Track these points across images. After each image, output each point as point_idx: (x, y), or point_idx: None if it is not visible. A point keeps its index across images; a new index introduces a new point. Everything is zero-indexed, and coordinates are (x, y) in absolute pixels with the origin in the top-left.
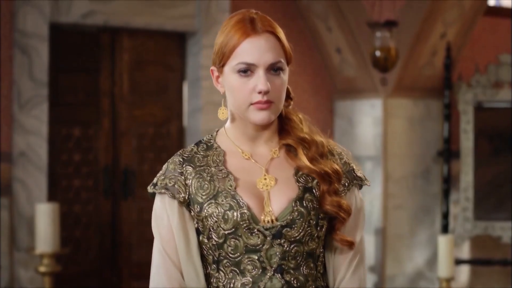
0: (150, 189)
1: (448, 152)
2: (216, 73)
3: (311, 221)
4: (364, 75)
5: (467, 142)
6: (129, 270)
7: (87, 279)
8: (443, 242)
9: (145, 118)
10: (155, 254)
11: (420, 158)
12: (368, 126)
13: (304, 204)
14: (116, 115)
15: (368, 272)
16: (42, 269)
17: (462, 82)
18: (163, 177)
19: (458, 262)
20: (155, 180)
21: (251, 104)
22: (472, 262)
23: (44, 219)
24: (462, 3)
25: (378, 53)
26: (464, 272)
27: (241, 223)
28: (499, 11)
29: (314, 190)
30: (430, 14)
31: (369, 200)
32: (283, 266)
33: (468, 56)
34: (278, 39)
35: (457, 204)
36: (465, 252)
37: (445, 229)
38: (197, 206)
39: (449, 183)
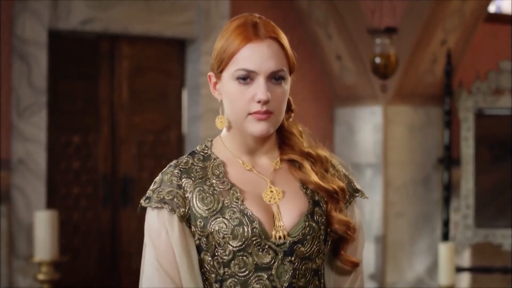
0: (144, 203)
1: (449, 159)
2: (213, 79)
3: (321, 236)
4: (364, 82)
5: (467, 149)
6: (129, 278)
7: (86, 287)
8: (444, 249)
9: (145, 126)
10: (148, 268)
11: (421, 165)
12: (368, 133)
13: (315, 219)
14: (115, 123)
15: (369, 280)
16: (41, 277)
17: (463, 89)
18: (160, 190)
19: (459, 269)
20: (149, 193)
21: (249, 114)
22: (473, 270)
23: (43, 227)
24: (463, 10)
25: (378, 60)
26: (464, 280)
27: (252, 239)
28: (499, 18)
29: (321, 204)
30: (430, 21)
31: (369, 208)
32: (293, 284)
33: (468, 63)
34: (282, 46)
35: (458, 212)
36: (465, 259)
37: (445, 236)
38: (200, 222)
39: (449, 190)
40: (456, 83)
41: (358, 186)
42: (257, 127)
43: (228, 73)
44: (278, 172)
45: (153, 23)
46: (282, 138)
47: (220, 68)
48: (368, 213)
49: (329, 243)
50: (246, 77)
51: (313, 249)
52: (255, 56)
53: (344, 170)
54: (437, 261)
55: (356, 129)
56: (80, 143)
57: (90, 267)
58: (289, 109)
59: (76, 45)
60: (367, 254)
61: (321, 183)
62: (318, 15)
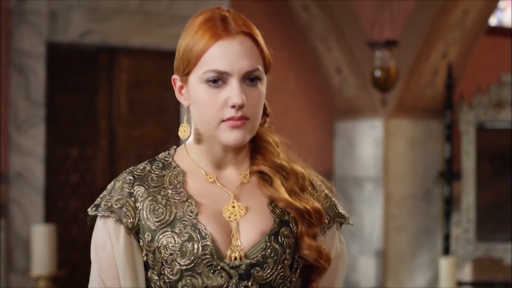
0: (91, 211)
1: (449, 173)
2: (178, 83)
3: (285, 261)
4: (365, 95)
5: (468, 163)
6: None
7: None
8: (445, 264)
9: (143, 139)
10: (93, 286)
11: (421, 179)
12: (369, 146)
13: (280, 240)
14: (114, 136)
15: None
16: None
17: (463, 102)
18: (108, 197)
19: (460, 284)
20: (97, 201)
21: (223, 120)
22: (474, 284)
23: (41, 241)
24: (463, 23)
25: (378, 73)
26: None
27: (202, 258)
28: (500, 31)
29: (291, 225)
30: (431, 33)
31: (369, 222)
32: None
33: (469, 76)
34: (256, 42)
35: (459, 226)
36: (466, 274)
37: (446, 251)
38: (148, 235)
39: (450, 204)
40: (457, 96)
41: (342, 211)
42: (232, 136)
43: (196, 76)
44: (246, 186)
45: (152, 36)
46: (254, 147)
47: (186, 70)
48: (368, 227)
49: (298, 270)
50: (217, 80)
51: (275, 274)
52: (226, 55)
53: (327, 192)
54: (438, 275)
55: (356, 142)
56: (79, 157)
57: (88, 282)
58: (264, 113)
59: (74, 58)
60: (368, 268)
61: (291, 200)
62: (318, 28)
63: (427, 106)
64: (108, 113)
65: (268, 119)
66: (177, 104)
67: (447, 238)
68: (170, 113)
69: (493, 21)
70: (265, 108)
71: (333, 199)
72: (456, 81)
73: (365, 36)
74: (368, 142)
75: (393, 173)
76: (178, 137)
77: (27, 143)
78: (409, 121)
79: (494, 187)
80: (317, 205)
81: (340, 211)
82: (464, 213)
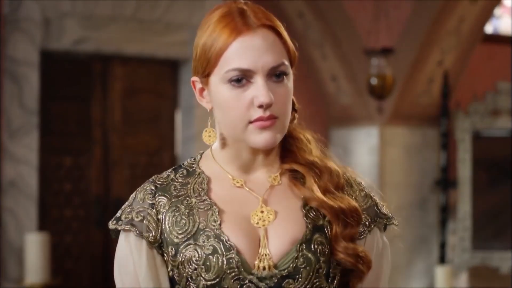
0: (111, 225)
1: (445, 181)
2: (198, 85)
3: (320, 270)
4: (360, 103)
5: (464, 171)
6: None
7: None
8: (441, 272)
9: (138, 147)
10: None
11: (417, 187)
12: (364, 155)
13: (313, 248)
14: (107, 144)
15: None
16: None
17: (460, 110)
18: (129, 210)
19: None
20: (119, 213)
21: (250, 122)
22: None
23: (34, 250)
24: (459, 31)
25: (374, 81)
26: None
27: (228, 271)
28: (496, 39)
29: (326, 230)
30: (427, 41)
31: None
32: None
33: (465, 83)
34: (279, 34)
35: (455, 234)
36: (462, 282)
37: (442, 259)
38: (171, 249)
39: (446, 212)
40: (453, 104)
41: (385, 211)
42: (262, 138)
43: (218, 76)
44: (276, 189)
45: (146, 44)
46: (285, 146)
47: (206, 71)
48: None
49: (336, 280)
50: (241, 78)
51: (309, 286)
52: (249, 51)
53: (368, 191)
54: (434, 284)
55: (351, 150)
56: (72, 165)
57: None
58: (293, 109)
59: (68, 66)
60: None
61: (325, 199)
62: (313, 35)
63: (423, 114)
64: (102, 121)
65: (297, 115)
66: (172, 112)
67: (443, 246)
68: (165, 122)
69: (489, 29)
70: (293, 104)
71: (375, 197)
72: (452, 89)
73: (361, 44)
74: (363, 150)
75: (388, 181)
76: (173, 146)
77: (20, 151)
78: (405, 129)
79: (490, 195)
80: (354, 203)
81: (382, 211)
82: (460, 221)
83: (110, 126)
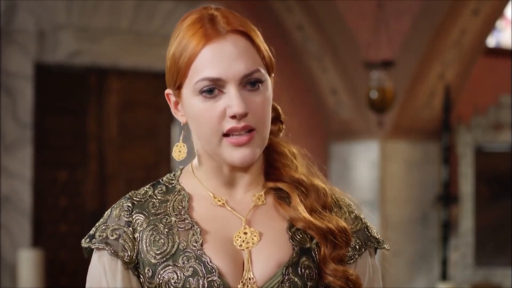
0: (84, 242)
1: (447, 196)
2: (173, 98)
3: None
4: (360, 117)
5: (466, 186)
6: None
7: None
8: None
9: (134, 162)
10: None
11: (418, 202)
12: (365, 169)
13: (300, 272)
14: (104, 159)
15: None
16: None
17: (461, 124)
18: (103, 227)
19: None
20: (92, 231)
21: (224, 135)
22: None
23: (28, 266)
24: (460, 43)
25: (374, 94)
26: None
27: None
28: (498, 52)
29: (313, 253)
30: (428, 54)
31: None
32: None
33: (467, 97)
34: (251, 40)
35: (456, 250)
36: None
37: (444, 276)
38: (148, 270)
39: (447, 228)
40: (455, 118)
41: (375, 234)
42: (239, 154)
43: (189, 88)
44: (260, 209)
45: (143, 56)
46: (268, 160)
47: (177, 82)
48: None
49: None
50: (212, 89)
51: None
52: (218, 59)
53: (358, 213)
54: None
55: (352, 165)
56: (67, 180)
57: None
58: (277, 119)
59: (63, 79)
60: None
61: (311, 219)
62: (313, 48)
63: (424, 128)
64: (98, 135)
65: (282, 127)
66: (169, 126)
67: (444, 262)
68: (162, 135)
69: (491, 42)
70: (278, 114)
71: (365, 220)
72: (454, 103)
73: (361, 57)
74: (364, 164)
75: (389, 196)
76: (170, 160)
77: (14, 165)
78: (406, 143)
79: (492, 210)
80: (343, 223)
81: (373, 234)
82: (462, 237)
83: (106, 140)
